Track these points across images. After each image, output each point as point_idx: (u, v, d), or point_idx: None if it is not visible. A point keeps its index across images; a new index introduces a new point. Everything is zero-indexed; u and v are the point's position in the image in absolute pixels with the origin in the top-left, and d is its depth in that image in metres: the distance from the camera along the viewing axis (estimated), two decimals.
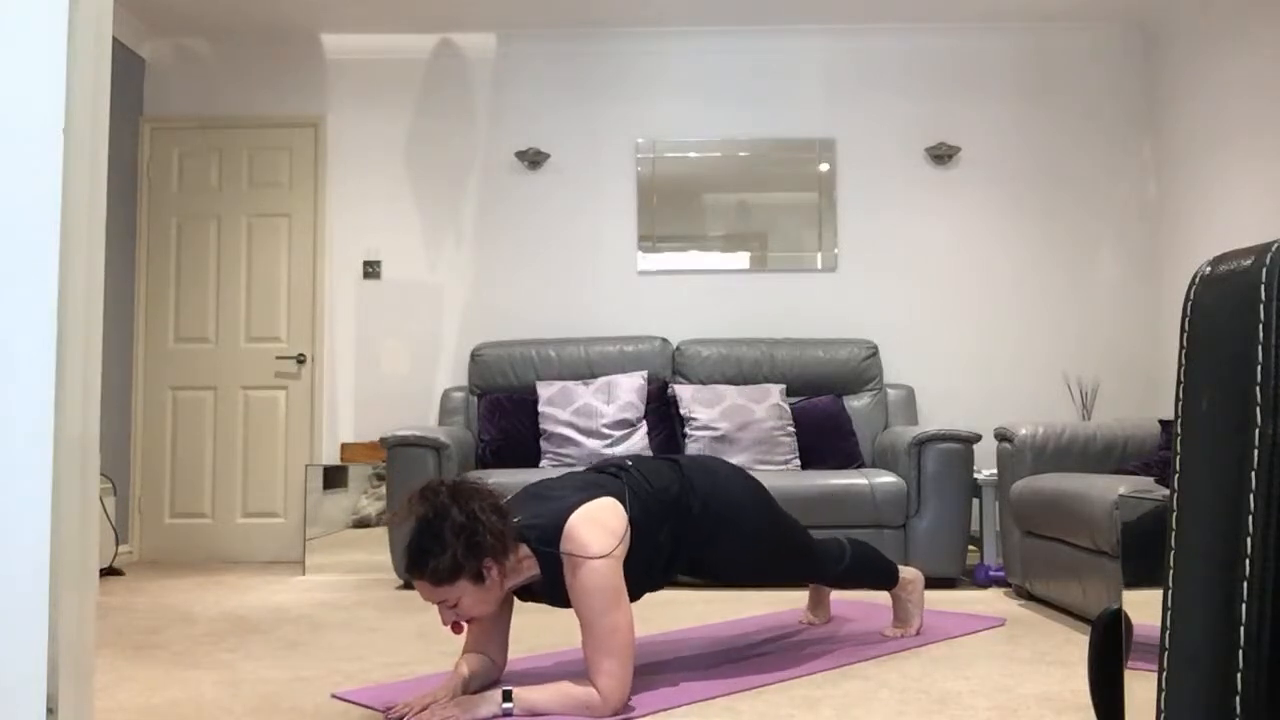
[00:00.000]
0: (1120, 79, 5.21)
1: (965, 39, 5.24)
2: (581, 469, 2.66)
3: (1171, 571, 0.85)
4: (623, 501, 2.33)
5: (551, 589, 2.28)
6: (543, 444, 4.57)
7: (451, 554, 2.11)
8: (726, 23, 5.21)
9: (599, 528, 2.23)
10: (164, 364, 5.25)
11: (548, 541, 2.23)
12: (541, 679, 2.33)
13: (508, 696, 2.14)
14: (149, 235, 5.29)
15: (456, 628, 2.24)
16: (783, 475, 4.18)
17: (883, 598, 3.35)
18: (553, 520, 2.24)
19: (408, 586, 4.18)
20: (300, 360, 5.21)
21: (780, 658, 2.75)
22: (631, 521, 2.31)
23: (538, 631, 3.16)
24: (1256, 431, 0.77)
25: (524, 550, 2.24)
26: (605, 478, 2.45)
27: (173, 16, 5.15)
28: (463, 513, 2.14)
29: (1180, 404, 0.86)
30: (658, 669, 2.61)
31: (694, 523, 2.47)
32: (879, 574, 2.95)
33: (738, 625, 3.27)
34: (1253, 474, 0.77)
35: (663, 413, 4.67)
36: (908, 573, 3.06)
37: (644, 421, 4.58)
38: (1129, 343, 5.13)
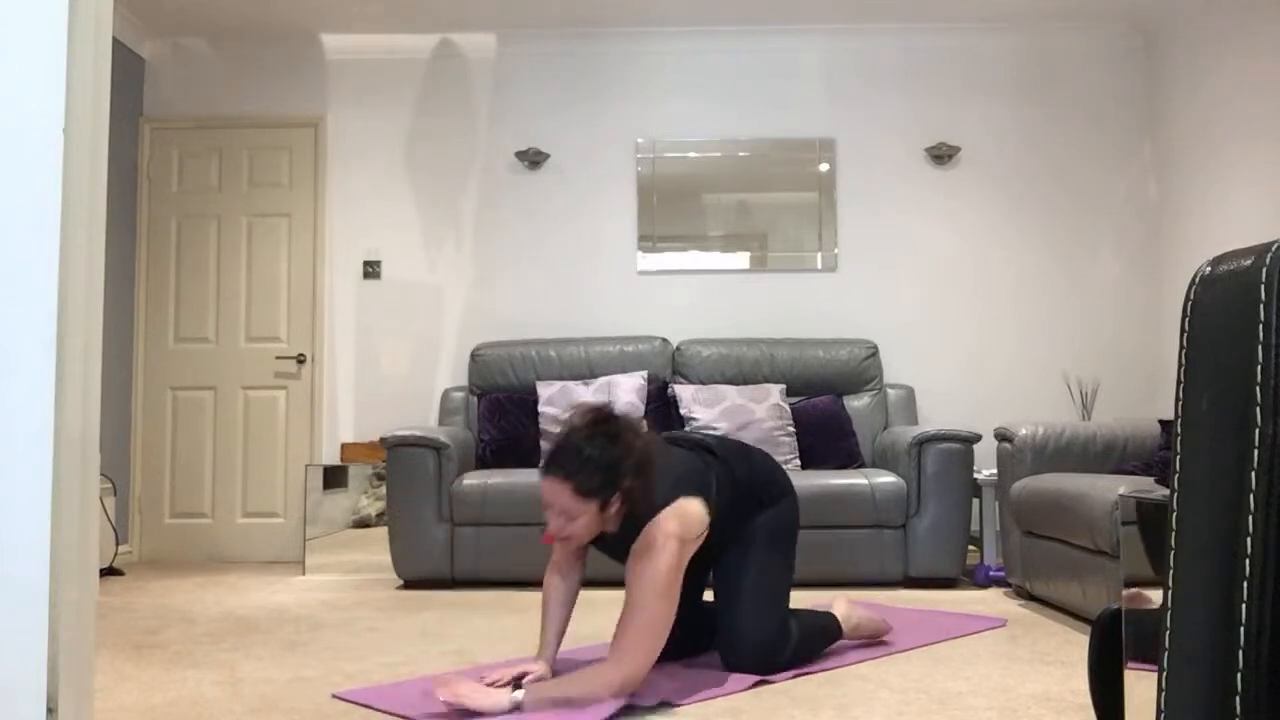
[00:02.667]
0: (1120, 79, 5.21)
1: (965, 39, 5.23)
2: (681, 441, 2.72)
3: (1172, 571, 0.85)
4: (709, 496, 2.44)
5: (618, 543, 2.41)
6: (543, 444, 4.56)
7: (605, 474, 2.27)
8: (726, 23, 5.21)
9: (684, 525, 2.32)
10: (164, 364, 5.25)
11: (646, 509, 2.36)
12: (579, 668, 2.38)
13: (519, 686, 2.23)
14: (149, 235, 5.29)
15: (549, 540, 2.36)
16: None
17: (884, 599, 3.34)
18: (654, 500, 2.35)
19: (408, 587, 4.18)
20: (300, 360, 5.21)
21: None
22: (711, 516, 2.44)
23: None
24: (1256, 431, 0.77)
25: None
26: (701, 466, 2.54)
27: (172, 16, 5.15)
28: (632, 450, 2.29)
29: (1180, 404, 0.86)
30: (659, 668, 2.61)
31: (749, 512, 2.60)
32: (821, 636, 2.75)
33: None
34: (1253, 474, 0.77)
35: (663, 413, 4.67)
36: (840, 610, 2.86)
37: (644, 421, 4.58)
38: (1129, 343, 5.13)
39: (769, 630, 2.53)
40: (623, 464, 2.28)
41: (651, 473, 2.33)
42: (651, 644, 2.24)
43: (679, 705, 2.26)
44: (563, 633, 2.55)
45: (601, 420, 2.35)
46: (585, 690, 2.18)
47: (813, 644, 2.66)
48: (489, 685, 2.37)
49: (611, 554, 2.51)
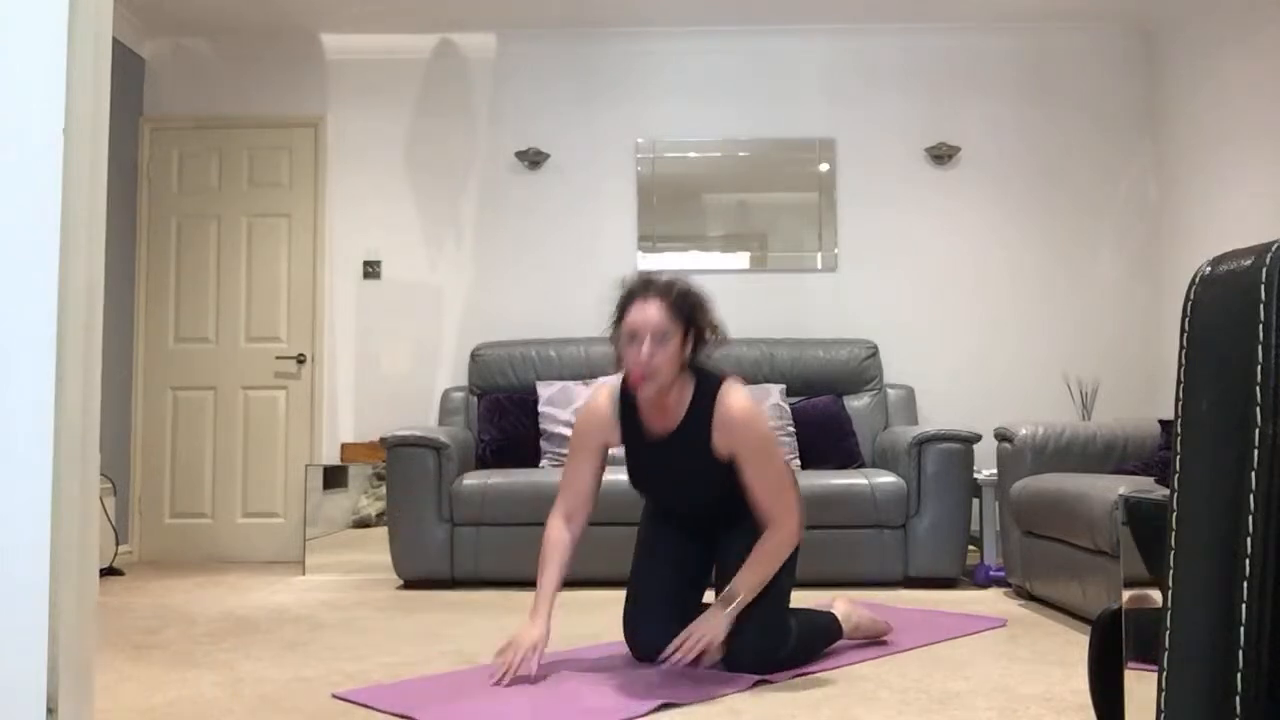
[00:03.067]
0: (1121, 79, 5.21)
1: (965, 39, 5.23)
2: None
3: (1172, 571, 0.85)
4: None
5: (686, 437, 2.55)
6: (543, 444, 4.56)
7: (686, 300, 2.54)
8: (726, 23, 5.21)
9: (746, 395, 2.57)
10: (164, 364, 5.25)
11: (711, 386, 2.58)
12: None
13: (727, 600, 2.47)
14: (149, 235, 5.29)
15: (638, 377, 2.50)
16: None
17: (884, 599, 3.34)
18: (713, 374, 2.60)
19: (408, 587, 4.18)
20: (300, 360, 5.21)
21: None
22: None
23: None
24: (1256, 431, 0.77)
25: (689, 381, 2.58)
26: None
27: (172, 16, 5.15)
28: (696, 292, 2.60)
29: (1180, 404, 0.86)
30: (659, 668, 2.61)
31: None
32: (821, 636, 2.73)
33: None
34: (1253, 474, 0.77)
35: None
36: (840, 610, 2.84)
37: None
38: (1129, 343, 5.12)
39: (768, 629, 2.53)
40: (694, 299, 2.56)
41: (714, 316, 2.60)
42: (793, 494, 2.57)
43: (679, 705, 2.26)
44: (559, 587, 2.58)
45: (658, 275, 2.64)
46: (766, 570, 2.49)
47: (812, 643, 2.66)
48: (496, 685, 2.36)
49: (662, 465, 2.61)
